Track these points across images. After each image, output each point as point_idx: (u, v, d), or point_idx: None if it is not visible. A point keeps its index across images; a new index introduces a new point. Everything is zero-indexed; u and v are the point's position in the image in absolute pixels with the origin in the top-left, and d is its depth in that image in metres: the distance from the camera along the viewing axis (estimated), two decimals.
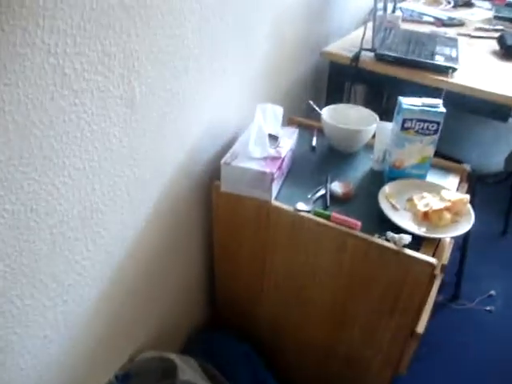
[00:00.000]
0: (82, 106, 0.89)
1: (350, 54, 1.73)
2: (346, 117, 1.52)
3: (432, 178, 1.38)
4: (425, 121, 1.25)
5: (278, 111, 1.35)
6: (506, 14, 2.25)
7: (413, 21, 2.21)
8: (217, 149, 1.39)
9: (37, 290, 0.94)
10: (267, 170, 1.22)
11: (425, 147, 1.30)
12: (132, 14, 0.92)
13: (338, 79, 1.83)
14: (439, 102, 1.28)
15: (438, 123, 1.26)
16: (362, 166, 1.45)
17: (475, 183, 1.78)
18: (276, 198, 1.29)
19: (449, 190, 1.30)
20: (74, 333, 1.08)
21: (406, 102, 1.27)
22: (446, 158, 1.78)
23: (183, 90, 1.15)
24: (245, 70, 1.41)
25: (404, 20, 2.20)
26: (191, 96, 1.19)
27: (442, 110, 1.25)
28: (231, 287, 1.52)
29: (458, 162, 1.74)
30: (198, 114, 1.25)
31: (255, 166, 1.23)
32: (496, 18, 2.24)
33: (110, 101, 0.95)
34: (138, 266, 1.22)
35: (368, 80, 1.80)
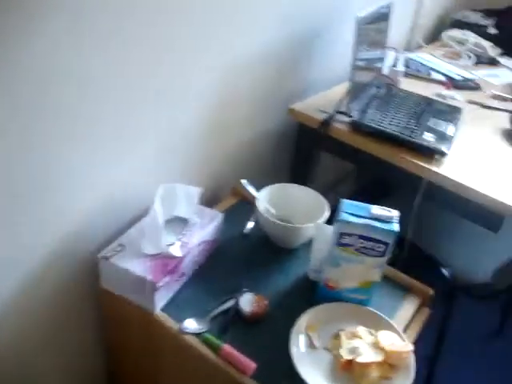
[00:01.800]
0: None
1: (323, 116, 1.42)
2: (291, 201, 1.22)
3: (382, 299, 1.07)
4: (370, 239, 0.95)
5: (193, 192, 1.07)
6: None
7: (418, 77, 1.88)
8: (117, 228, 1.11)
9: None
10: (149, 276, 0.93)
11: (369, 270, 0.99)
12: None
13: (307, 145, 1.51)
14: (395, 214, 0.97)
15: (387, 244, 0.95)
16: (298, 270, 1.15)
17: (455, 294, 1.45)
18: (167, 306, 1.00)
19: (391, 331, 0.98)
20: None
21: (349, 208, 0.97)
22: (423, 256, 1.48)
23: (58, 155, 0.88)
24: (168, 131, 1.13)
25: (408, 75, 1.88)
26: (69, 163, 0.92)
27: (395, 227, 0.94)
28: None
29: (438, 263, 1.43)
30: (86, 185, 0.98)
31: (138, 267, 0.95)
32: None
33: None
34: None
35: (338, 151, 1.48)
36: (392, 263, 1.51)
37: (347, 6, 1.62)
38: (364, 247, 0.96)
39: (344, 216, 0.95)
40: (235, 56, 1.22)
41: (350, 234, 0.95)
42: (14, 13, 0.71)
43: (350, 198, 0.99)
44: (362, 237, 0.95)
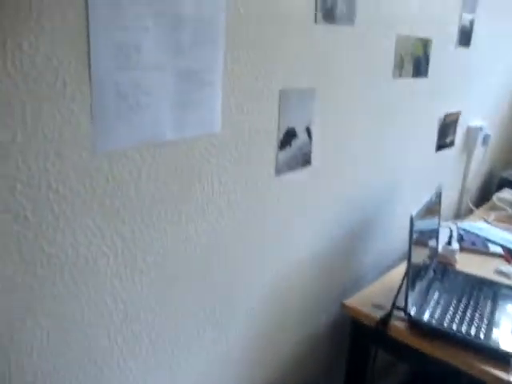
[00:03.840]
0: None
1: (378, 313, 1.35)
2: None
3: None
4: None
5: None
6: None
7: (475, 251, 1.81)
8: None
9: None
10: None
11: None
12: None
13: (362, 343, 1.42)
14: None
15: None
16: None
17: None
18: None
19: None
20: None
21: None
22: None
23: None
24: (216, 353, 1.09)
25: (464, 249, 1.81)
26: None
27: None
28: None
29: None
30: None
31: None
32: None
33: None
34: None
35: (396, 351, 1.37)
36: None
37: (400, 189, 1.63)
38: None
39: None
40: (288, 262, 1.22)
41: None
42: None
43: None
44: None
